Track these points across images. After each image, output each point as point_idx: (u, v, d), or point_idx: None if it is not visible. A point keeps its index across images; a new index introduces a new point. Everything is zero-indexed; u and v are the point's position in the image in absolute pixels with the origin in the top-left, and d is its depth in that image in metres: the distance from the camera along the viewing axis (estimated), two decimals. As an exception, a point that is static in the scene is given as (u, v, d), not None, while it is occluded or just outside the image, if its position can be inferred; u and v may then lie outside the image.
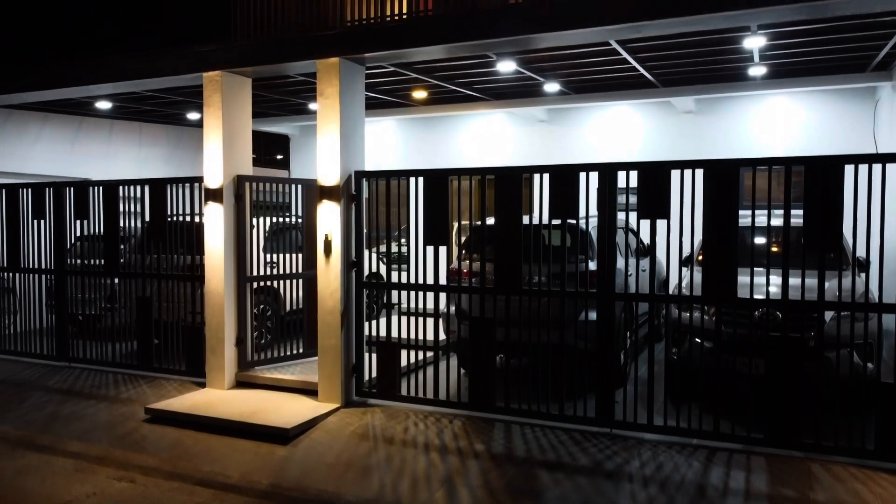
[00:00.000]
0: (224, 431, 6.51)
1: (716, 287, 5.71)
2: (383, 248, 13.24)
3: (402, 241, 13.56)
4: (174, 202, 8.06)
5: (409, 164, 13.35)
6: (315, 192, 7.28)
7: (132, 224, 9.38)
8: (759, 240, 7.18)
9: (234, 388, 7.70)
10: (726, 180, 5.66)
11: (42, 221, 8.95)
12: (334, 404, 6.96)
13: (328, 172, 6.95)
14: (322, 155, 6.99)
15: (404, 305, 8.11)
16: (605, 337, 6.16)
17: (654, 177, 5.88)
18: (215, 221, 7.60)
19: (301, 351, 8.46)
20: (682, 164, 5.84)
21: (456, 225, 14.46)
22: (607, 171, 6.13)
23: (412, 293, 7.28)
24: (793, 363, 5.51)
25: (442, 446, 5.99)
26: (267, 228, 9.69)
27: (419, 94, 11.25)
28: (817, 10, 5.50)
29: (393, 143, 13.74)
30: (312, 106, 11.73)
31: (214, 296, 7.66)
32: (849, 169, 5.32)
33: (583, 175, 6.19)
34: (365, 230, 7.22)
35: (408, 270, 7.38)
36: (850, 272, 6.69)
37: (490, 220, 6.81)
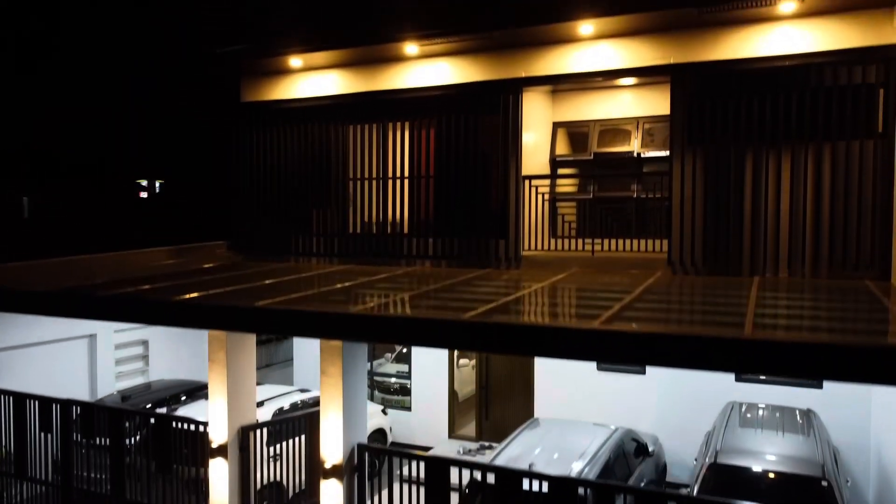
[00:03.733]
0: None
1: None
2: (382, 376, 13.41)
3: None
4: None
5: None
6: (317, 424, 7.45)
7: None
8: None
9: None
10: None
11: (49, 434, 9.09)
12: None
13: (332, 450, 7.09)
14: (326, 432, 7.11)
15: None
16: None
17: None
18: (220, 476, 7.74)
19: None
20: None
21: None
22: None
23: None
24: None
25: None
26: (271, 416, 9.87)
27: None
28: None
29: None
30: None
31: (220, 549, 7.82)
32: None
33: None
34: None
35: None
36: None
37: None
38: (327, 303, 7.89)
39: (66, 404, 8.97)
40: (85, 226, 31.43)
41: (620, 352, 5.70)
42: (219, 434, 7.71)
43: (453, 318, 6.21)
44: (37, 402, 9.10)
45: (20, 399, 9.23)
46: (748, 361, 5.32)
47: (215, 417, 7.72)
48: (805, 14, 8.62)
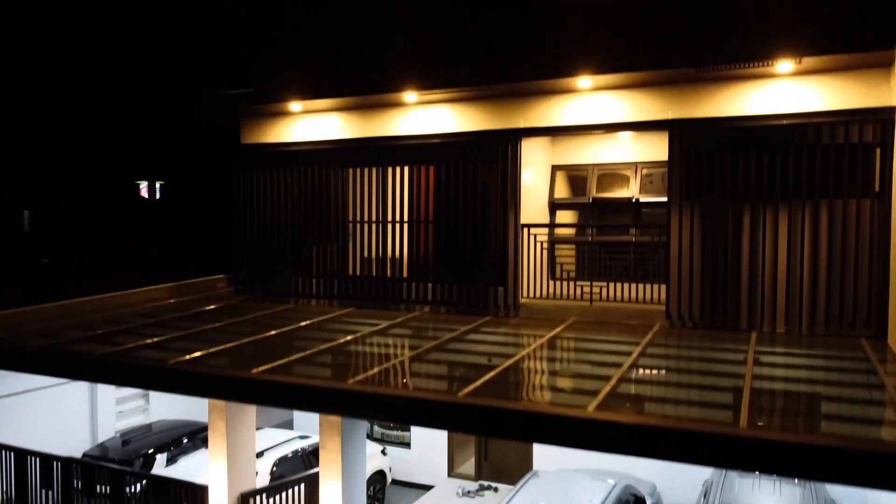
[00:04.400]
0: None
1: None
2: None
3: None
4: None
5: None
6: (316, 488, 7.51)
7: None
8: None
9: None
10: None
11: (49, 492, 9.15)
12: None
13: (331, 523, 7.14)
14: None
15: None
16: None
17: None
18: (220, 546, 7.81)
19: None
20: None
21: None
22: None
23: None
24: None
25: None
26: (273, 465, 9.91)
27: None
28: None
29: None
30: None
31: None
32: None
33: None
34: None
35: None
36: None
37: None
38: (326, 367, 7.97)
39: (67, 462, 9.03)
40: (86, 234, 31.53)
41: (614, 444, 5.74)
42: (219, 501, 7.77)
43: (450, 401, 6.26)
44: (37, 460, 9.16)
45: (21, 455, 9.28)
46: (743, 460, 5.36)
47: (215, 484, 7.78)
48: (803, 72, 8.65)
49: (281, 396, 7.31)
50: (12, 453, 9.38)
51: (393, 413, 6.75)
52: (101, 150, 31.62)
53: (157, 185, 40.60)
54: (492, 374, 7.12)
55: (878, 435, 5.67)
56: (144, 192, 39.18)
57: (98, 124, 29.53)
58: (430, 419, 6.58)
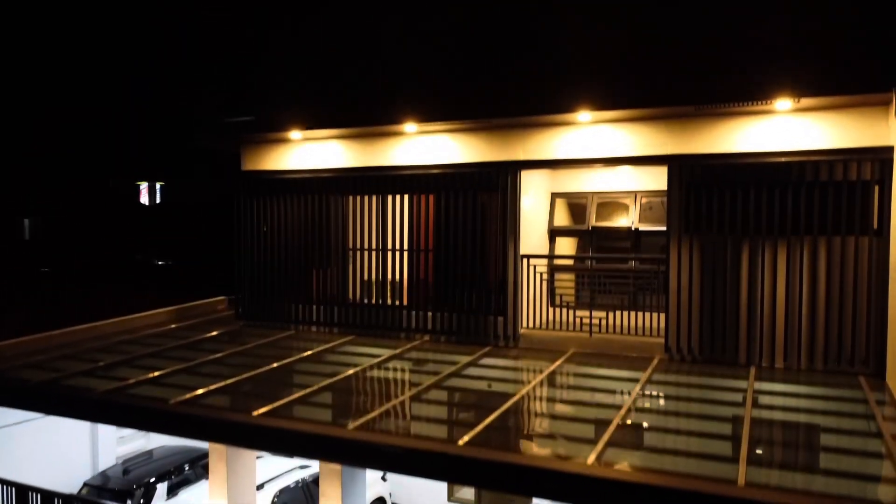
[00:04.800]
0: None
1: None
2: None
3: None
4: None
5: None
6: None
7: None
8: None
9: None
10: None
11: (52, 527, 9.20)
12: None
13: (330, 569, 7.18)
14: (325, 549, 7.20)
15: None
16: None
17: None
18: (221, 587, 7.85)
19: None
20: None
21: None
22: None
23: None
24: None
25: None
26: (273, 498, 9.94)
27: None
28: None
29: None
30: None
31: None
32: None
33: None
34: None
35: None
36: None
37: None
38: (326, 407, 8.01)
39: (68, 499, 9.07)
40: (86, 240, 31.60)
41: (612, 501, 5.77)
42: (219, 547, 7.83)
43: (449, 452, 6.28)
44: (39, 495, 9.19)
45: (22, 491, 9.31)
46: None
47: (215, 526, 7.83)
48: (801, 110, 8.67)
49: (280, 443, 7.34)
50: (14, 489, 9.41)
51: (391, 464, 6.78)
52: (103, 157, 31.66)
53: (157, 187, 40.71)
54: (491, 417, 7.13)
55: (875, 494, 5.69)
56: (145, 199, 39.20)
57: (99, 131, 29.61)
58: (430, 471, 6.61)
